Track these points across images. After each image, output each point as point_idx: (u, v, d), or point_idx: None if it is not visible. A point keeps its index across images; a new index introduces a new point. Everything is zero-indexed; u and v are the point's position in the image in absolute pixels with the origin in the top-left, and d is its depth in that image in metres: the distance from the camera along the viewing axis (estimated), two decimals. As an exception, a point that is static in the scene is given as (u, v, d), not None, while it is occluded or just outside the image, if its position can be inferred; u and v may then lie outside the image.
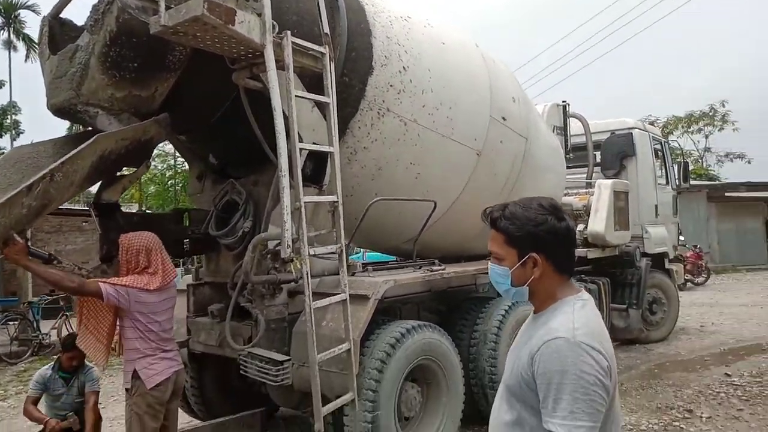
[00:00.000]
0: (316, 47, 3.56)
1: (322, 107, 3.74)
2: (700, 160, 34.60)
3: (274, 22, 3.28)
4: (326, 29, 3.68)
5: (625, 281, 8.07)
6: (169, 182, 24.64)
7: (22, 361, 9.56)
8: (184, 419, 4.76)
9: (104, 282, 3.26)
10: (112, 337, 3.45)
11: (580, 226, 7.18)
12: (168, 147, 20.80)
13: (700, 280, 16.62)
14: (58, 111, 3.51)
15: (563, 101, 8.12)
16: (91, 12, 3.39)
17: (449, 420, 4.40)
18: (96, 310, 3.41)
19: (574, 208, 7.55)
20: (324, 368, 3.52)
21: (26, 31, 28.31)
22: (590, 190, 7.84)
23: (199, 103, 3.90)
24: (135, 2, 3.28)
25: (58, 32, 3.68)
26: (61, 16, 3.77)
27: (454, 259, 5.44)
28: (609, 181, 7.67)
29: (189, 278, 4.83)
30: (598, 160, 8.86)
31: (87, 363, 4.44)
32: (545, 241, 1.56)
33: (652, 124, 21.15)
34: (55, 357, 4.70)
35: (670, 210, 9.58)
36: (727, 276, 19.29)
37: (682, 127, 33.54)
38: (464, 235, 5.49)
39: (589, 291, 1.54)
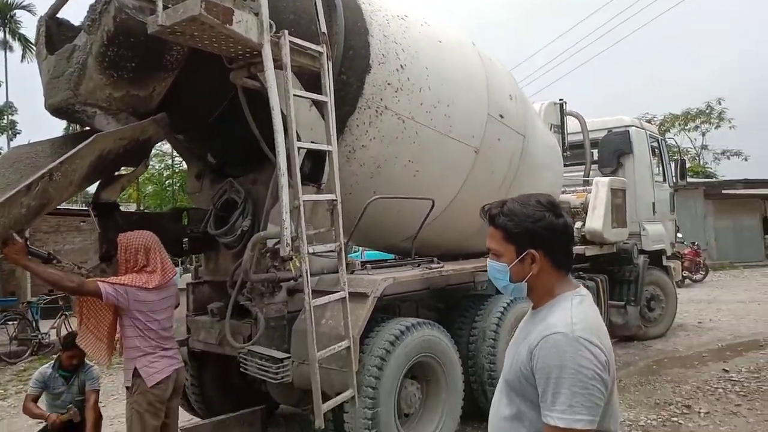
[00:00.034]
0: (313, 46, 3.57)
1: (320, 106, 3.75)
2: (697, 158, 34.69)
3: (272, 22, 3.29)
4: (323, 28, 3.68)
5: (623, 278, 8.10)
6: (167, 182, 24.62)
7: (21, 361, 9.57)
8: (184, 417, 4.76)
9: (103, 281, 3.27)
10: (113, 336, 3.46)
11: (578, 224, 7.20)
12: (166, 147, 20.82)
13: (698, 277, 16.67)
14: (56, 111, 3.51)
15: (560, 99, 8.15)
16: (88, 12, 3.39)
17: (449, 416, 4.42)
18: (95, 309, 3.41)
19: (572, 206, 7.56)
20: (324, 365, 3.53)
21: (22, 31, 28.25)
22: (587, 187, 7.86)
23: (196, 103, 3.90)
24: (132, 2, 3.28)
25: (55, 32, 3.68)
26: (57, 16, 3.77)
27: (452, 257, 5.46)
28: (606, 179, 7.69)
29: (188, 277, 4.84)
30: (596, 157, 8.89)
31: (87, 362, 4.44)
32: (543, 238, 1.57)
33: (649, 121, 21.22)
34: (54, 356, 4.71)
35: (667, 207, 9.61)
36: (724, 273, 19.34)
37: (679, 124, 33.63)
38: (462, 233, 5.51)
39: (587, 288, 1.55)
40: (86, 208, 15.13)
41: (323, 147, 3.67)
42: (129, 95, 3.46)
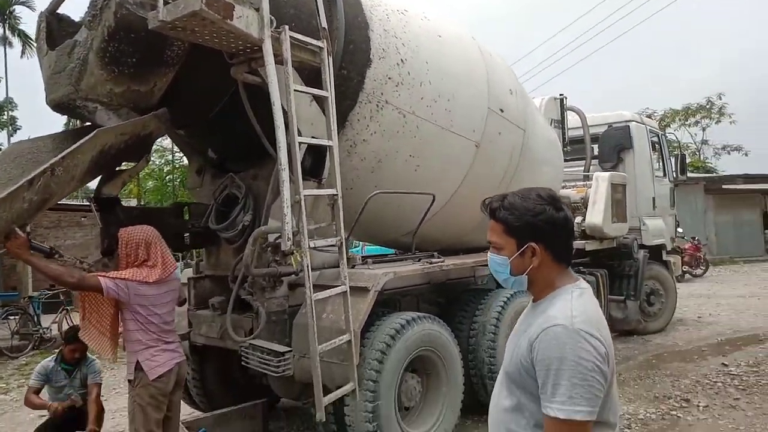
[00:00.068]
0: (314, 41, 3.57)
1: (320, 101, 3.76)
2: (697, 153, 34.63)
3: (272, 17, 3.29)
4: (324, 23, 3.68)
5: (622, 273, 8.12)
6: (167, 177, 24.60)
7: (23, 355, 9.61)
8: (185, 411, 4.79)
9: (104, 276, 3.28)
10: (116, 330, 3.47)
11: (578, 219, 7.21)
12: (166, 142, 20.78)
13: (698, 272, 16.69)
14: (57, 106, 3.53)
15: (560, 95, 8.14)
16: (88, 7, 3.39)
17: (449, 410, 4.45)
18: (97, 303, 3.43)
19: (572, 201, 7.57)
20: (325, 359, 3.55)
21: (21, 27, 28.20)
22: (588, 182, 7.86)
23: (197, 98, 3.91)
24: (133, -3, 3.29)
25: (56, 28, 3.69)
26: (58, 11, 3.77)
27: (452, 252, 5.48)
28: (606, 174, 7.70)
29: (189, 272, 4.86)
30: (596, 153, 8.89)
31: (89, 355, 4.47)
32: (543, 231, 1.58)
33: (649, 117, 21.20)
34: (56, 351, 4.73)
35: (667, 202, 9.62)
36: (724, 268, 19.36)
37: (680, 119, 33.55)
38: (463, 228, 5.52)
39: (587, 282, 1.57)
40: (87, 203, 15.16)
41: (324, 142, 3.68)
42: (130, 90, 3.46)
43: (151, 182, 24.64)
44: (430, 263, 4.70)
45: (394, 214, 4.89)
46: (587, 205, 7.39)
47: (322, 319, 3.76)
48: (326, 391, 3.50)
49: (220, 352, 4.47)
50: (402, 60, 4.42)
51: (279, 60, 3.33)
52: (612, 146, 8.79)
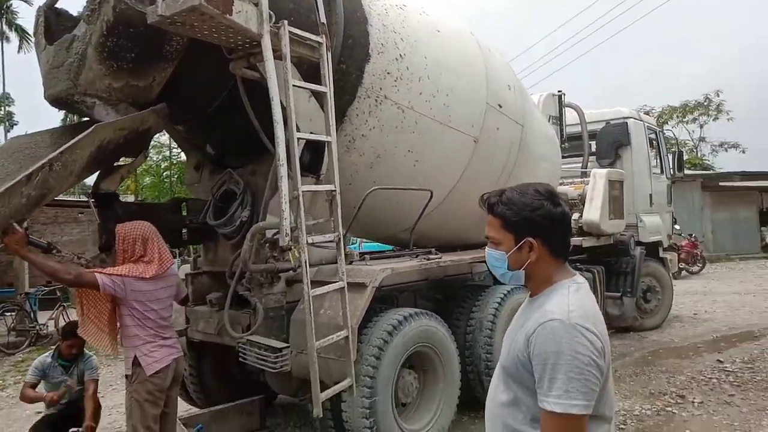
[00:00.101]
0: (313, 37, 3.57)
1: (319, 97, 3.76)
2: (694, 150, 34.68)
3: (271, 12, 3.29)
4: (323, 19, 3.68)
5: (619, 270, 8.15)
6: (165, 174, 24.55)
7: (19, 352, 9.59)
8: (182, 407, 4.79)
9: (100, 272, 3.28)
10: (114, 325, 3.47)
11: (575, 215, 7.23)
12: (163, 138, 20.73)
13: (695, 269, 16.74)
14: (56, 101, 3.52)
15: (559, 91, 8.16)
16: (87, 2, 3.38)
17: (446, 406, 4.46)
18: (95, 299, 3.43)
19: (570, 198, 7.60)
20: (322, 355, 3.56)
21: (19, 21, 28.03)
22: (585, 179, 7.88)
23: (196, 93, 3.90)
24: (132, -8, 3.28)
25: (54, 22, 3.67)
26: (56, 6, 3.76)
27: (450, 249, 5.49)
28: (604, 171, 7.71)
29: (186, 268, 4.86)
30: (594, 149, 8.90)
31: (86, 351, 4.47)
32: (541, 226, 1.59)
33: (647, 113, 21.19)
34: (52, 347, 4.72)
35: (664, 199, 9.64)
36: (720, 265, 19.42)
37: (677, 116, 33.58)
38: (461, 225, 5.53)
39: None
40: (84, 199, 15.11)
41: (322, 138, 3.68)
42: (128, 85, 3.46)
43: (148, 178, 24.59)
44: (428, 260, 4.71)
45: (392, 210, 4.89)
46: (585, 202, 7.41)
47: (320, 315, 3.77)
48: (323, 387, 3.51)
49: (217, 348, 4.48)
50: (401, 55, 4.43)
51: (278, 55, 3.33)
52: (610, 143, 8.80)
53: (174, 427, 3.75)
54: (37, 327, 10.19)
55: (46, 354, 4.54)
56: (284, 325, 3.99)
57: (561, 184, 7.78)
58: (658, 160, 9.60)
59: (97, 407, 4.33)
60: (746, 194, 23.10)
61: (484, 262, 1.75)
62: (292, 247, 3.48)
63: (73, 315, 5.98)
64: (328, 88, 3.64)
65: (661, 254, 9.33)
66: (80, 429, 4.07)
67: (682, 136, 32.60)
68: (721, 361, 6.78)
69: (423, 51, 4.61)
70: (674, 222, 10.67)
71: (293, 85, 3.37)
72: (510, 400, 1.61)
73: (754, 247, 22.62)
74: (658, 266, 9.10)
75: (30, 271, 12.84)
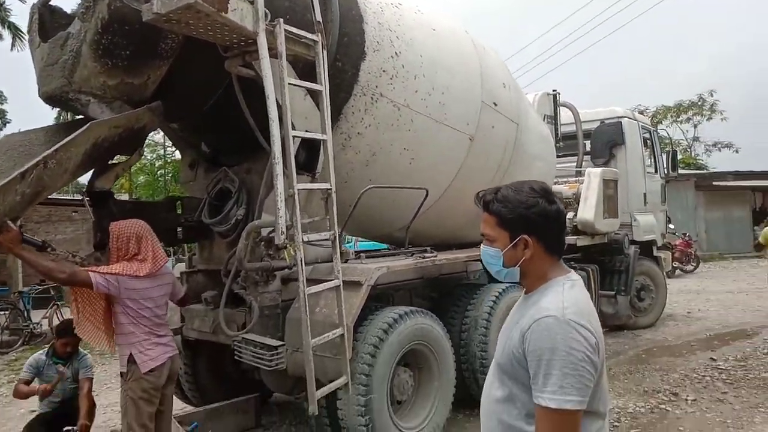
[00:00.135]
0: (308, 35, 3.57)
1: (314, 95, 3.76)
2: (688, 150, 34.83)
3: (267, 10, 3.29)
4: (319, 17, 3.68)
5: (613, 268, 8.19)
6: (159, 172, 24.47)
7: (13, 351, 9.55)
8: (177, 405, 4.79)
9: (93, 271, 3.27)
10: (110, 322, 3.47)
11: (570, 214, 7.25)
12: (157, 137, 20.64)
13: (689, 268, 16.82)
14: (50, 99, 3.50)
15: (554, 90, 8.18)
16: (82, -1, 3.38)
17: (441, 403, 4.47)
18: (89, 297, 3.42)
19: (564, 197, 7.61)
20: (318, 353, 3.56)
21: (12, 19, 27.86)
22: (580, 178, 7.91)
23: (191, 91, 3.89)
24: (127, -11, 3.27)
25: (48, 20, 3.65)
26: (50, 3, 3.74)
27: (445, 247, 5.50)
28: (598, 170, 7.75)
29: (181, 266, 4.85)
30: (588, 148, 8.94)
31: (81, 350, 4.46)
32: (536, 224, 1.60)
33: (641, 113, 21.28)
34: (46, 346, 4.71)
35: (658, 198, 9.69)
36: (714, 264, 19.53)
37: (671, 116, 33.71)
38: (456, 223, 5.54)
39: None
40: (78, 197, 15.05)
41: (318, 136, 3.68)
42: (124, 83, 3.45)
43: (142, 177, 24.50)
44: (423, 258, 4.72)
45: (388, 208, 4.90)
46: (579, 201, 7.44)
47: (315, 313, 3.77)
48: (319, 385, 3.51)
49: (212, 346, 4.47)
50: (396, 53, 4.43)
51: (273, 53, 3.33)
52: (604, 142, 8.85)
53: (169, 426, 3.75)
54: (31, 326, 10.15)
55: (41, 351, 4.53)
56: (280, 323, 3.99)
57: (556, 183, 7.80)
58: (653, 160, 9.65)
59: (92, 405, 4.32)
60: (739, 194, 23.22)
61: (479, 260, 1.76)
62: (288, 246, 3.47)
63: (67, 313, 5.95)
64: (323, 86, 3.65)
65: (655, 253, 9.37)
66: (74, 428, 4.06)
67: (676, 136, 32.71)
68: (714, 359, 6.82)
69: (418, 49, 4.61)
70: (668, 221, 10.72)
71: (289, 83, 3.37)
72: (505, 396, 1.62)
73: (747, 247, 22.69)
74: (652, 265, 9.14)
75: (23, 270, 12.77)
